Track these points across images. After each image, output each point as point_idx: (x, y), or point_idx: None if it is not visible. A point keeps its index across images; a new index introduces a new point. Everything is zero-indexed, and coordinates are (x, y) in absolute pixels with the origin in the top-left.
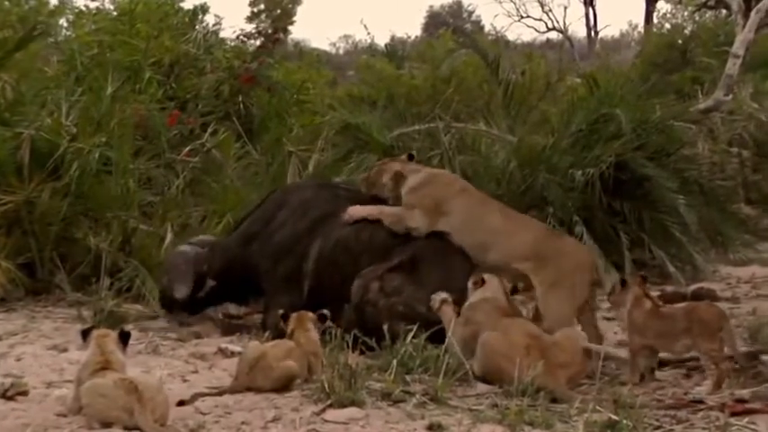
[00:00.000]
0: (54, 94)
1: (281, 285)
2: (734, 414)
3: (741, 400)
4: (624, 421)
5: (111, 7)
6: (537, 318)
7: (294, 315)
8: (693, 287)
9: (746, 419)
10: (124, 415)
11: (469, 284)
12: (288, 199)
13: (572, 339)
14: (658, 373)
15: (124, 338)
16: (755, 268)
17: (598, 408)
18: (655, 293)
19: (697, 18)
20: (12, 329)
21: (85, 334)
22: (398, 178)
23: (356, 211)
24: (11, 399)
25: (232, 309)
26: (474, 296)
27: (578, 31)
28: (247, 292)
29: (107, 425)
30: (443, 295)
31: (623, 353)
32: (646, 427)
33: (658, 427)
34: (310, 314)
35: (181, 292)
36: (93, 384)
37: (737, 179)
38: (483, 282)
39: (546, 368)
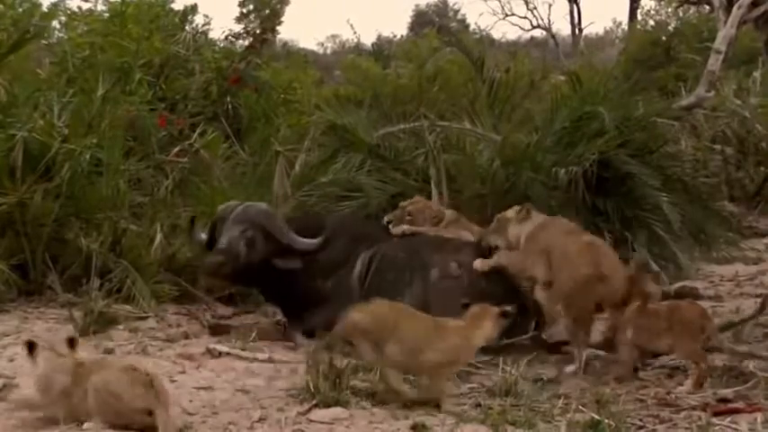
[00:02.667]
0: (46, 96)
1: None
2: (716, 414)
3: (724, 400)
4: (606, 421)
5: (104, 8)
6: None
7: None
8: (676, 285)
9: (729, 419)
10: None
11: (513, 213)
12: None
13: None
14: (641, 373)
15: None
16: (739, 266)
17: (581, 408)
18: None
19: (681, 14)
20: (4, 330)
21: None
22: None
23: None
24: (2, 399)
25: (221, 309)
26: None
27: (563, 28)
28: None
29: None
30: None
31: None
32: (628, 426)
33: (641, 427)
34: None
35: (308, 243)
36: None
37: (721, 176)
38: (529, 213)
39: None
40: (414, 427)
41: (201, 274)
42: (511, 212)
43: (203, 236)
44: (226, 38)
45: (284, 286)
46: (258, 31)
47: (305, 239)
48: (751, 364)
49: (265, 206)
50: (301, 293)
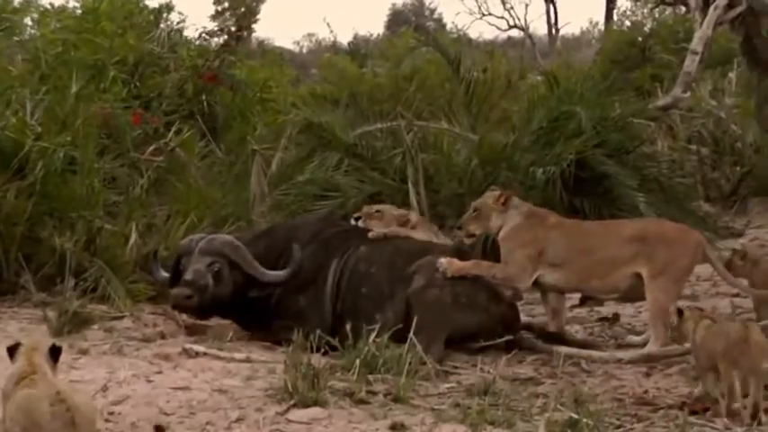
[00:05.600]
0: (19, 93)
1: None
2: (693, 412)
3: (701, 399)
4: (585, 420)
5: (77, 5)
6: None
7: None
8: None
9: (705, 417)
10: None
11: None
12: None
13: None
14: (619, 372)
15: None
16: None
17: (559, 407)
18: None
19: (657, 15)
20: None
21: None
22: None
23: None
24: None
25: None
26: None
27: (539, 28)
28: None
29: None
30: None
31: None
32: (606, 425)
33: (619, 426)
34: None
35: (276, 275)
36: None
37: (696, 176)
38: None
39: None
40: (393, 426)
41: (169, 306)
42: (489, 199)
43: (164, 273)
44: (200, 36)
45: (255, 312)
46: (233, 29)
47: (273, 272)
48: None
49: (231, 238)
50: (272, 313)
